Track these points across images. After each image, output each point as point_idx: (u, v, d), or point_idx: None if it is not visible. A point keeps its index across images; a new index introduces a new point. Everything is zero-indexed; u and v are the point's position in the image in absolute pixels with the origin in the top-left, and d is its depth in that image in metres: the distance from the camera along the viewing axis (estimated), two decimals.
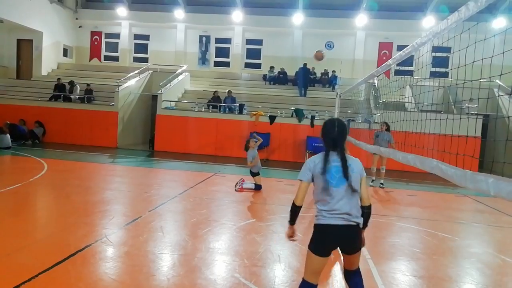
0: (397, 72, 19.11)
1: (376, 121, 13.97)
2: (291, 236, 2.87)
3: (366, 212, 2.67)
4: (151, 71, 18.29)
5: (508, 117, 13.81)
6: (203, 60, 21.28)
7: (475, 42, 3.20)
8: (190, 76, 19.14)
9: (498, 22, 16.80)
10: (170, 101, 15.80)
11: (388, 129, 9.69)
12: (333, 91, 17.23)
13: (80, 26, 21.65)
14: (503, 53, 2.95)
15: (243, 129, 14.50)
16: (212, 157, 13.91)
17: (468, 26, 3.17)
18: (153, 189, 8.05)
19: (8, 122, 14.15)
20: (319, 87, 18.74)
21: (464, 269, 4.63)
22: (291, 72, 19.01)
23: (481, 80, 3.48)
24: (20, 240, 4.48)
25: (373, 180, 9.85)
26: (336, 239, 2.63)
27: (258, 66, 21.05)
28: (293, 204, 2.72)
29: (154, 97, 16.58)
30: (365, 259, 4.53)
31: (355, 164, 2.68)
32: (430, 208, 8.01)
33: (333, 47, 20.27)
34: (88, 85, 16.41)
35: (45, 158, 10.92)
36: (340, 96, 11.08)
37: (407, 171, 11.69)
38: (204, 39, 21.21)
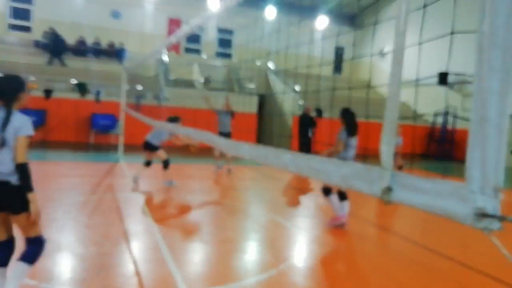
0: (187, 50, 19.83)
1: (167, 97, 14.11)
2: None
3: (19, 170, 2.55)
4: None
5: (272, 94, 16.43)
6: None
7: (246, 28, 3.50)
8: None
9: (270, 13, 19.42)
10: None
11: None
12: (121, 64, 16.33)
13: None
14: (263, 37, 3.33)
15: None
16: None
17: (248, 13, 3.44)
18: None
19: None
20: (104, 59, 17.32)
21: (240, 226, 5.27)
22: (71, 41, 16.85)
23: (255, 62, 3.88)
24: None
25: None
26: None
27: (28, 29, 17.71)
28: None
29: None
30: (155, 235, 4.53)
31: (16, 121, 2.57)
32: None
33: (120, 17, 19.06)
34: None
35: None
36: (126, 71, 10.55)
37: None
38: None
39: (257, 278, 3.62)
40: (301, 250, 4.63)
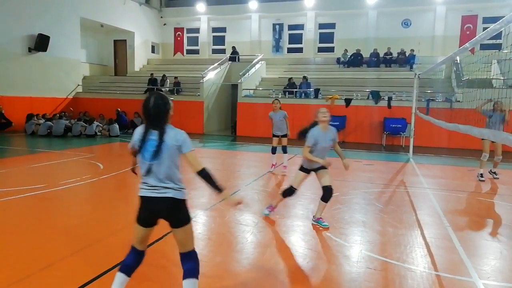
0: (483, 47, 17.99)
1: (458, 100, 13.57)
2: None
3: (201, 177, 2.64)
4: (230, 62, 19.48)
5: None
6: (277, 47, 21.97)
7: None
8: (266, 64, 19.98)
9: None
10: (249, 89, 16.82)
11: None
12: (411, 70, 16.86)
13: (164, 24, 23.65)
14: None
15: None
16: (291, 141, 14.65)
17: None
18: (243, 168, 9.06)
19: (119, 109, 16.40)
20: (395, 67, 18.39)
21: None
22: (366, 54, 18.90)
23: None
24: None
25: (481, 175, 8.08)
26: (148, 210, 2.66)
27: (331, 50, 21.18)
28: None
29: (234, 86, 17.76)
30: (445, 227, 4.96)
31: (172, 139, 2.59)
32: None
33: (410, 25, 19.62)
34: (175, 78, 18.11)
35: None
36: (418, 77, 11.04)
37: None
38: (277, 27, 21.86)
39: None
40: None
